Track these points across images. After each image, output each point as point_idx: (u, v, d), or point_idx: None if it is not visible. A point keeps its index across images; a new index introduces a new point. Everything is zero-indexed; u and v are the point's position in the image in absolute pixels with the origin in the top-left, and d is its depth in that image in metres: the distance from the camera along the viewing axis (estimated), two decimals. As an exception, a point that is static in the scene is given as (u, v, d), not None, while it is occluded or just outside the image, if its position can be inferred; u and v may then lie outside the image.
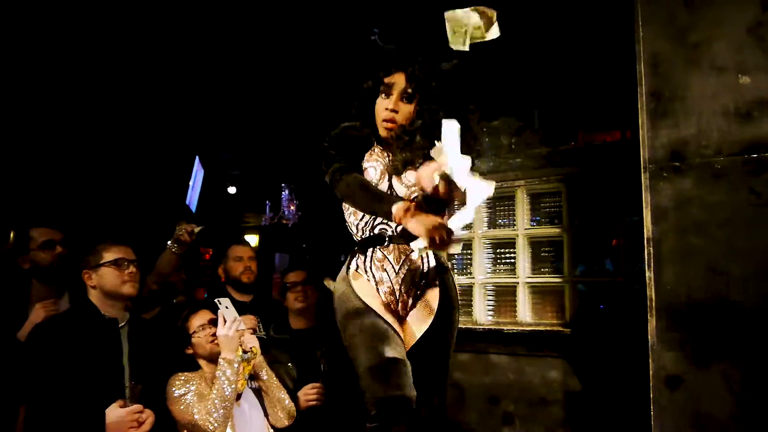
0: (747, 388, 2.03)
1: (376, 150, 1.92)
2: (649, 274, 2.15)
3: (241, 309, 2.65)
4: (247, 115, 5.67)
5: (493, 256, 3.38)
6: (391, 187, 1.86)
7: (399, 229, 1.80)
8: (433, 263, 1.89)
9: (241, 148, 6.80)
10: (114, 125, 5.09)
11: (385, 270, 1.85)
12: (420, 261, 1.86)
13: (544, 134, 3.35)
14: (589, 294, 3.11)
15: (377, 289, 1.85)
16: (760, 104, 2.06)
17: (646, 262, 2.16)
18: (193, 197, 6.98)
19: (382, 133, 1.89)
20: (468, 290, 3.37)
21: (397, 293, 1.84)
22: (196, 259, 6.78)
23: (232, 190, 8.23)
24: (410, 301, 1.86)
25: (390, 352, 1.70)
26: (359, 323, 1.79)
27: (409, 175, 1.84)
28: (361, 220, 1.89)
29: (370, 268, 1.86)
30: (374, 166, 1.90)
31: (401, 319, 1.86)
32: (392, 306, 1.85)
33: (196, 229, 2.86)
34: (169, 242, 2.85)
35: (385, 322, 1.78)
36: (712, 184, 2.11)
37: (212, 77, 4.77)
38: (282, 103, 5.23)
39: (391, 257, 1.85)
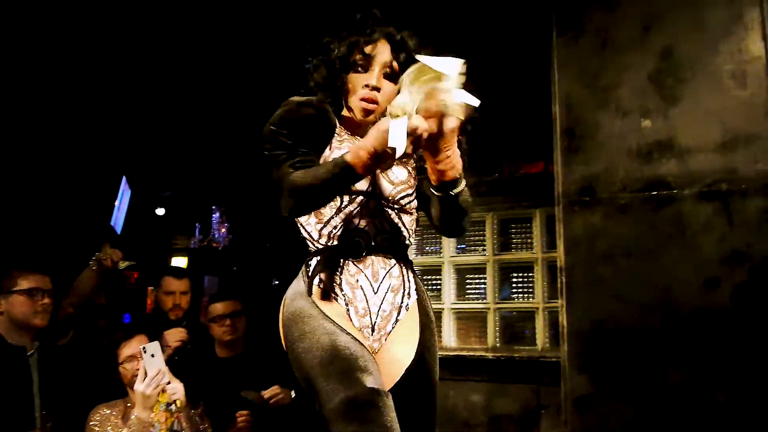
0: (650, 410, 2.17)
1: (344, 135, 1.51)
2: (561, 302, 2.28)
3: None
4: (177, 134, 5.58)
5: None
6: (374, 183, 1.46)
7: (378, 237, 1.45)
8: (413, 283, 1.50)
9: (171, 168, 6.67)
10: (36, 141, 4.90)
11: (361, 287, 1.44)
12: (402, 277, 1.48)
13: (470, 164, 3.48)
14: (512, 319, 3.24)
15: (347, 310, 1.43)
16: (659, 146, 2.26)
17: (559, 290, 2.29)
18: (118, 218, 6.76)
19: (358, 114, 1.46)
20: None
21: (374, 316, 1.44)
22: (121, 282, 6.56)
23: (160, 211, 8.03)
24: (388, 329, 1.46)
25: (371, 382, 1.28)
26: (328, 346, 1.33)
27: (398, 172, 1.48)
28: (326, 224, 1.46)
29: (340, 284, 1.44)
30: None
31: (372, 351, 1.43)
32: (365, 332, 1.43)
33: (122, 264, 2.76)
34: (91, 260, 2.73)
35: (362, 345, 1.36)
36: (618, 217, 2.28)
37: (141, 95, 4.69)
38: (213, 122, 5.19)
39: (368, 272, 1.45)
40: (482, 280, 3.32)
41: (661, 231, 2.25)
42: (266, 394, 2.56)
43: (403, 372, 1.41)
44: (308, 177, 1.34)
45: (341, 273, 1.44)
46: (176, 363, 2.49)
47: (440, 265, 3.38)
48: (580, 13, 2.42)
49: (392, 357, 1.43)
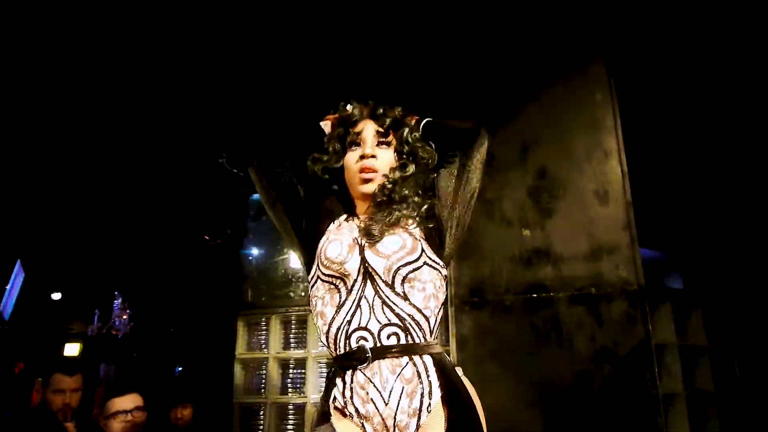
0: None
1: (342, 220, 1.51)
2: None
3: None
4: (78, 216, 5.45)
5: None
6: (364, 261, 1.37)
7: (384, 333, 1.33)
8: (436, 379, 1.33)
9: (71, 253, 6.43)
10: None
11: (372, 400, 1.31)
12: (417, 377, 1.32)
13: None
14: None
15: (363, 426, 1.32)
16: (537, 253, 2.55)
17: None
18: (8, 303, 6.37)
19: (363, 188, 1.47)
20: (301, 409, 3.46)
21: (392, 428, 1.30)
22: (2, 374, 6.08)
23: (56, 296, 7.62)
24: None
25: None
26: None
27: (388, 241, 1.38)
28: (330, 325, 1.37)
29: (351, 399, 1.32)
30: (339, 239, 1.42)
31: None
32: None
33: None
34: None
35: None
36: (504, 318, 2.52)
37: (40, 171, 4.58)
38: (117, 206, 5.14)
39: (377, 380, 1.31)
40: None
41: (541, 330, 2.51)
42: None
43: None
44: None
45: (351, 387, 1.33)
46: None
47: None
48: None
49: None
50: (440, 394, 1.31)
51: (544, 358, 2.47)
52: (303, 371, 3.53)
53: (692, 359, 3.57)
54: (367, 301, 1.35)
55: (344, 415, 1.33)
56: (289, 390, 3.54)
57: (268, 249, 3.90)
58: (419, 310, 1.35)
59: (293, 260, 3.81)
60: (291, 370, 3.58)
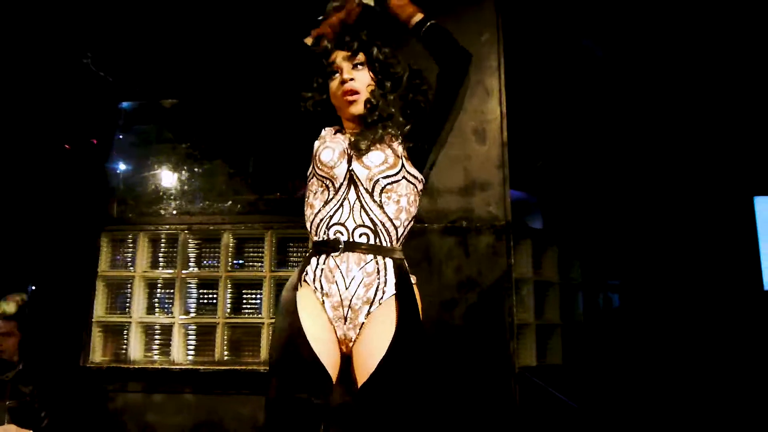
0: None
1: (335, 130, 1.77)
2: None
3: None
4: None
5: (196, 295, 3.46)
6: (350, 169, 1.63)
7: (357, 232, 1.60)
8: (392, 278, 1.59)
9: None
10: None
11: (336, 282, 1.59)
12: (376, 273, 1.59)
13: (253, 181, 3.59)
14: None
15: (323, 302, 1.60)
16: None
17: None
18: None
19: (350, 109, 1.70)
20: (168, 330, 3.38)
21: (346, 309, 1.58)
22: None
23: None
24: (360, 320, 1.57)
25: (300, 392, 1.51)
26: (284, 347, 1.57)
27: (373, 156, 1.63)
28: (316, 216, 1.65)
29: (320, 277, 1.61)
30: (332, 147, 1.68)
31: (347, 342, 1.60)
32: (339, 322, 1.59)
33: None
34: None
35: (314, 357, 1.54)
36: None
37: None
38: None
39: (343, 267, 1.59)
40: (258, 295, 3.43)
41: (413, 258, 2.59)
42: None
43: (376, 364, 1.49)
44: None
45: (322, 267, 1.61)
46: None
47: (217, 279, 3.41)
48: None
49: (368, 351, 1.53)
50: (394, 292, 1.57)
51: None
52: (171, 291, 3.42)
53: (543, 293, 3.91)
54: (349, 203, 1.61)
55: (309, 290, 1.62)
56: (156, 310, 3.43)
57: (137, 163, 3.65)
58: (390, 219, 1.61)
59: (165, 176, 3.61)
60: (159, 290, 3.45)
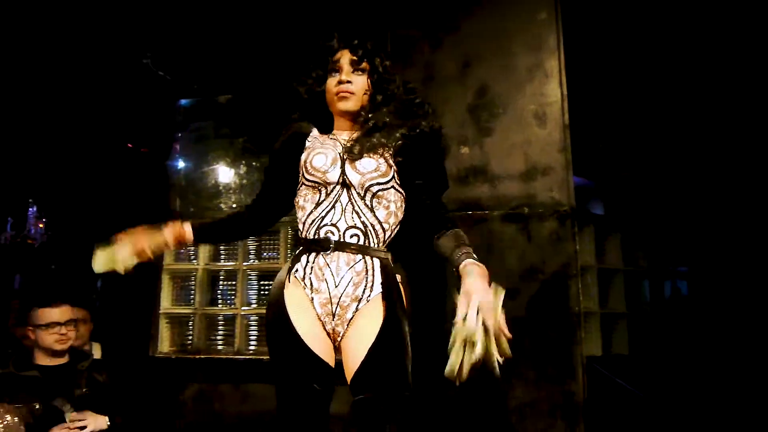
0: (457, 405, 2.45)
1: (319, 135, 1.79)
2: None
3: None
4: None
5: (257, 287, 3.51)
6: (344, 173, 1.67)
7: (348, 233, 1.66)
8: (379, 277, 1.65)
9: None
10: None
11: (325, 280, 1.65)
12: (365, 272, 1.65)
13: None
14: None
15: (312, 299, 1.66)
16: (474, 171, 2.56)
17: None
18: None
19: (340, 105, 1.73)
20: (231, 320, 3.45)
21: (335, 306, 1.64)
22: None
23: (-37, 202, 7.11)
24: (348, 316, 1.64)
25: (303, 381, 1.60)
26: (277, 342, 1.66)
27: (366, 162, 1.66)
28: (308, 216, 1.70)
29: (310, 274, 1.67)
30: (324, 152, 1.71)
31: (335, 337, 1.67)
32: (328, 318, 1.65)
33: None
34: None
35: (307, 349, 1.62)
36: (438, 233, 2.53)
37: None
38: (31, 106, 4.75)
39: (333, 266, 1.65)
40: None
41: (474, 246, 2.54)
42: (72, 417, 2.44)
43: (365, 354, 1.56)
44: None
45: (312, 265, 1.67)
46: None
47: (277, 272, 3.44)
48: (410, 47, 2.67)
49: (356, 343, 1.60)
50: (380, 291, 1.63)
51: (475, 273, 2.52)
52: (233, 283, 3.48)
53: (607, 281, 3.79)
54: (341, 205, 1.66)
55: (298, 286, 1.67)
56: (219, 302, 3.50)
57: (196, 158, 3.73)
58: (380, 222, 1.66)
59: (224, 171, 3.67)
60: (221, 282, 3.53)
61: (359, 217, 1.65)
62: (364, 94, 1.73)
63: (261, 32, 3.47)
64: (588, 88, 3.71)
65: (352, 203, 1.66)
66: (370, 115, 1.70)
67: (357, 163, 1.66)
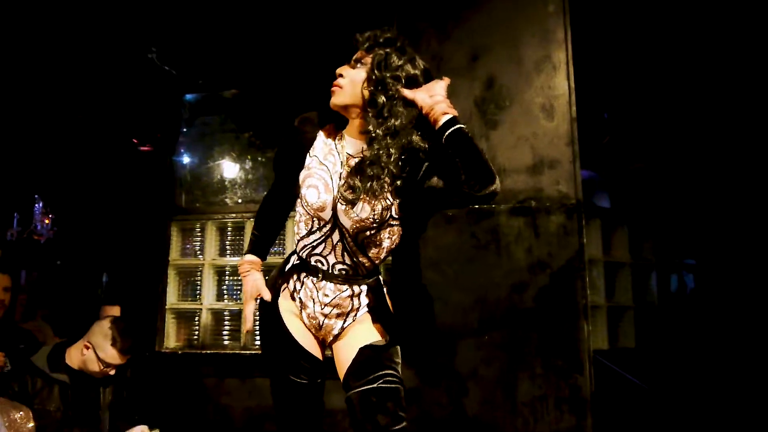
0: (464, 399, 2.45)
1: (324, 147, 1.71)
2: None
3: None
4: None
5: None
6: (336, 215, 1.64)
7: (336, 267, 1.69)
8: (365, 299, 1.73)
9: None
10: None
11: (313, 300, 1.71)
12: (350, 299, 1.71)
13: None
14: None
15: (301, 311, 1.74)
16: (482, 165, 2.53)
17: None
18: None
19: (331, 101, 1.66)
20: (237, 316, 3.45)
21: (321, 323, 1.73)
22: None
23: (-30, 198, 7.12)
24: (335, 332, 1.73)
25: (295, 375, 1.70)
26: (270, 339, 1.77)
27: (360, 210, 1.60)
28: (302, 238, 1.72)
29: (299, 290, 1.73)
30: (316, 185, 1.66)
31: (326, 338, 1.76)
32: (314, 330, 1.74)
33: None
34: None
35: (297, 345, 1.71)
36: (446, 228, 2.53)
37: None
38: (36, 102, 4.75)
39: (321, 293, 1.70)
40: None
41: (481, 240, 2.54)
42: None
43: (356, 351, 1.65)
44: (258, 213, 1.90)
45: (303, 282, 1.72)
46: None
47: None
48: (417, 39, 2.65)
49: (346, 344, 1.70)
50: (366, 311, 1.71)
51: (484, 267, 2.52)
52: (239, 278, 3.48)
53: (614, 274, 3.77)
54: (332, 241, 1.66)
55: (289, 298, 1.75)
56: (225, 297, 3.51)
57: (202, 153, 3.72)
58: (370, 259, 1.69)
59: (230, 166, 3.67)
60: (227, 278, 3.53)
61: (349, 257, 1.67)
62: (361, 89, 1.60)
63: (267, 26, 3.46)
64: (592, 80, 3.68)
65: (342, 242, 1.65)
66: (372, 134, 1.56)
67: (351, 210, 1.59)
